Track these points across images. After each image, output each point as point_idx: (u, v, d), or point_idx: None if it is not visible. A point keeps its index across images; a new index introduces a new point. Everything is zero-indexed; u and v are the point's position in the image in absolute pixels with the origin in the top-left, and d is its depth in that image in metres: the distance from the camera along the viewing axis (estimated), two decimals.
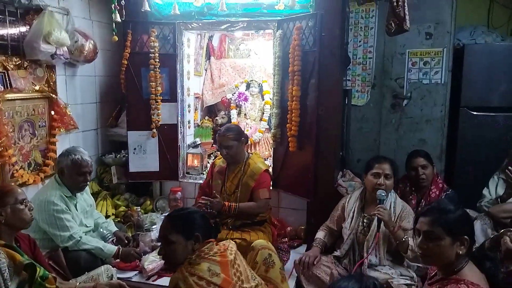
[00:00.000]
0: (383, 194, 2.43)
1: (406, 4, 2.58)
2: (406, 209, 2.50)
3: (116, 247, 2.68)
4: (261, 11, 3.26)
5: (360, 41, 3.79)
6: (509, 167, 2.57)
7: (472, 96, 3.56)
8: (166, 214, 3.47)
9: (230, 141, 2.85)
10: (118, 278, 2.45)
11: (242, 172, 2.88)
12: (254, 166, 2.89)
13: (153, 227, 3.30)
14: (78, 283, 2.23)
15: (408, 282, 2.32)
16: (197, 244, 1.82)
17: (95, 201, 3.20)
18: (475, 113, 3.54)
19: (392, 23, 2.74)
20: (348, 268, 2.47)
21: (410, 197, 2.95)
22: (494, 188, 2.83)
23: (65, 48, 3.05)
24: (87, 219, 2.83)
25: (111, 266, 2.48)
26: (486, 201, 2.80)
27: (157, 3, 3.45)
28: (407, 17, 2.70)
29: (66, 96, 3.33)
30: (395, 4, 2.55)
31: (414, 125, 3.73)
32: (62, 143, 3.28)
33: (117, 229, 2.94)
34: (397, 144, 3.79)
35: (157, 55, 3.40)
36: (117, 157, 3.72)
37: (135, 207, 3.50)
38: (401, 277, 2.36)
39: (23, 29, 2.85)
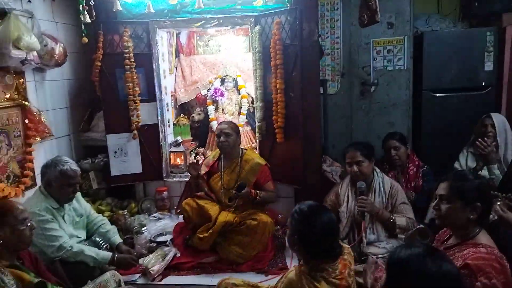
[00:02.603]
0: (363, 186, 2.59)
1: None
2: (395, 186, 2.70)
3: (111, 254, 2.60)
4: (235, 7, 3.30)
5: (327, 33, 3.97)
6: (479, 140, 2.83)
7: (432, 79, 3.87)
8: (153, 215, 3.49)
9: (230, 129, 2.96)
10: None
11: (240, 167, 2.95)
12: (253, 162, 2.98)
13: (143, 229, 3.26)
14: None
15: None
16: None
17: None
18: (436, 94, 3.86)
19: (365, 15, 2.92)
20: None
21: (389, 175, 3.17)
22: (465, 161, 3.12)
23: (35, 53, 2.89)
24: (77, 230, 2.73)
25: (117, 272, 2.43)
26: None
27: (127, 2, 3.36)
28: (378, 9, 2.88)
29: (37, 102, 3.15)
30: None
31: (382, 109, 3.99)
32: (38, 152, 3.11)
33: (121, 241, 2.82)
34: (368, 128, 4.04)
35: (132, 55, 3.32)
36: (95, 162, 3.59)
37: (120, 211, 3.42)
38: None
39: None
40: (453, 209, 1.68)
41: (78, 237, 2.70)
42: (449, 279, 1.16)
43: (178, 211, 3.27)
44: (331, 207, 2.81)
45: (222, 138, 2.94)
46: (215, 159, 3.10)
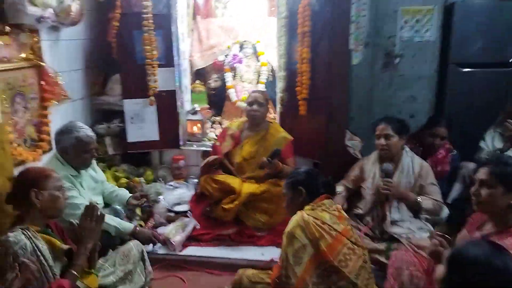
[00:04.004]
0: (390, 168, 2.47)
1: None
2: (425, 167, 2.61)
3: (133, 226, 2.56)
4: None
5: None
6: (509, 120, 2.74)
7: (460, 53, 3.69)
8: (170, 183, 3.44)
9: (263, 99, 2.90)
10: None
11: (264, 139, 2.86)
12: (278, 135, 2.91)
13: (159, 197, 3.23)
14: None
15: (428, 234, 2.48)
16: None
17: None
18: (463, 69, 3.71)
19: None
20: (370, 225, 2.58)
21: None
22: (491, 141, 3.03)
23: (51, 10, 2.74)
24: (96, 196, 2.68)
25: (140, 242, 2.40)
26: (485, 153, 3.00)
27: None
28: None
29: (52, 63, 3.02)
30: None
31: (405, 82, 3.83)
32: (53, 115, 3.01)
33: (130, 196, 2.75)
34: (389, 101, 3.89)
35: (151, 15, 3.15)
36: (110, 127, 3.50)
37: (136, 178, 3.37)
38: (420, 230, 2.51)
39: None
40: (494, 195, 1.63)
41: (98, 204, 2.65)
42: None
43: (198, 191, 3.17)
44: (354, 181, 2.75)
45: (255, 107, 2.85)
46: (240, 130, 3.00)
